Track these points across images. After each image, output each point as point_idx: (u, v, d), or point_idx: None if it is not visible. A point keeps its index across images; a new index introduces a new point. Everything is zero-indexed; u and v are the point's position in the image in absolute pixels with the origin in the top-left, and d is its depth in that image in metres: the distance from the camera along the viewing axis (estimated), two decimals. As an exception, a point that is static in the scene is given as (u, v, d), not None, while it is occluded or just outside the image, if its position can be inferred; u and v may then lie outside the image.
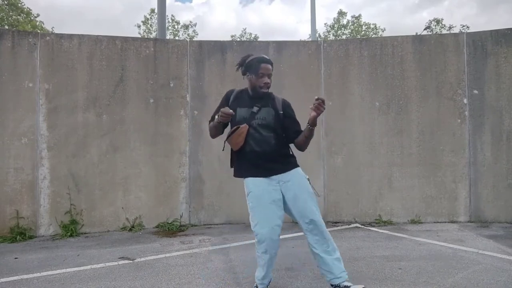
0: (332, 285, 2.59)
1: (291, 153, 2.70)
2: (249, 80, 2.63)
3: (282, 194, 2.58)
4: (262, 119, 2.58)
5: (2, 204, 4.75)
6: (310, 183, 2.64)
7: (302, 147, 2.66)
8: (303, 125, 2.64)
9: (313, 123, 2.47)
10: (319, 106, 2.37)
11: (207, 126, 5.80)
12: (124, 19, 42.55)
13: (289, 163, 2.64)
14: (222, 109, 2.46)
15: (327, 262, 2.55)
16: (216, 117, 2.55)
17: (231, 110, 2.45)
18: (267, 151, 2.56)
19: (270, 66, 2.59)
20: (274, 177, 2.58)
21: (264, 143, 2.56)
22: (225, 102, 2.72)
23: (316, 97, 2.39)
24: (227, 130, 2.69)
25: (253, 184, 2.57)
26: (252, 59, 2.60)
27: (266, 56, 2.64)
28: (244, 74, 2.67)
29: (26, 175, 4.83)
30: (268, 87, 2.61)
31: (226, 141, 2.64)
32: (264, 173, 2.57)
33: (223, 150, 2.81)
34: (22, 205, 4.81)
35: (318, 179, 5.38)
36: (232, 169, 2.74)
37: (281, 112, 2.65)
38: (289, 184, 2.57)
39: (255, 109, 2.60)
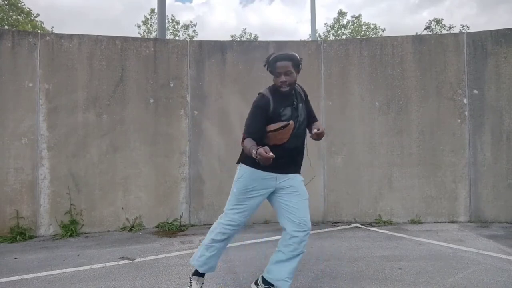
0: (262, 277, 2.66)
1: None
2: (273, 79, 2.59)
3: (276, 190, 2.61)
4: (301, 116, 2.61)
5: (2, 204, 4.75)
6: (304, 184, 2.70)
7: None
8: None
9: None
10: (318, 138, 2.50)
11: (207, 126, 5.81)
12: (124, 19, 42.58)
13: (300, 166, 2.70)
14: (262, 152, 2.18)
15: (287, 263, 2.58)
16: (254, 152, 2.26)
17: (271, 153, 2.20)
18: (298, 147, 2.61)
19: (286, 63, 2.48)
20: (280, 175, 2.59)
21: (299, 140, 2.60)
22: (265, 112, 2.51)
23: (318, 129, 2.48)
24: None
25: (250, 178, 2.56)
26: (271, 58, 2.54)
27: (283, 53, 2.54)
28: (271, 73, 2.60)
29: (26, 175, 4.83)
30: (289, 85, 2.49)
31: (268, 133, 2.52)
32: (275, 170, 2.56)
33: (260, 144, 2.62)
34: (22, 205, 4.81)
35: (318, 179, 5.38)
36: (233, 167, 2.74)
37: (305, 100, 2.70)
38: (290, 186, 2.60)
39: (295, 104, 2.59)
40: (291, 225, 2.54)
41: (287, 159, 2.58)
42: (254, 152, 2.26)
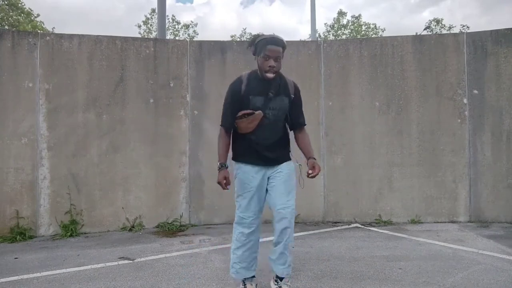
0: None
1: (289, 142, 2.69)
2: (257, 62, 2.47)
3: (267, 183, 2.59)
4: (276, 110, 2.49)
5: (2, 204, 4.75)
6: (300, 170, 2.62)
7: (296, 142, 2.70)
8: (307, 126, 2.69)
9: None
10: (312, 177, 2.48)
11: (207, 126, 5.81)
12: (126, 20, 42.58)
13: (284, 156, 2.63)
14: (220, 180, 2.47)
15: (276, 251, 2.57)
16: (218, 164, 2.53)
17: (226, 187, 2.48)
18: (272, 141, 2.52)
19: (278, 48, 2.38)
20: (267, 167, 2.57)
21: (273, 133, 2.51)
22: (237, 95, 2.49)
23: (311, 174, 2.45)
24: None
25: (242, 171, 2.58)
26: (261, 39, 2.41)
27: (277, 37, 2.42)
28: (254, 54, 2.49)
29: (26, 175, 4.83)
30: (275, 72, 2.40)
31: (236, 121, 2.53)
32: (260, 163, 2.55)
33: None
34: (22, 205, 4.81)
35: (318, 179, 5.37)
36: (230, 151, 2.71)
37: (292, 96, 2.56)
38: (276, 174, 2.56)
39: (270, 95, 2.47)
40: (274, 205, 2.52)
41: (261, 151, 2.50)
42: (218, 168, 2.49)
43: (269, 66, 2.39)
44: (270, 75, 2.40)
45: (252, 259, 2.69)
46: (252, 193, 2.56)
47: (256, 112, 2.44)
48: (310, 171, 2.45)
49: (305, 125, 2.70)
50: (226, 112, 2.56)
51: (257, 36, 2.47)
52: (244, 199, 2.58)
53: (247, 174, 2.56)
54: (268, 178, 2.59)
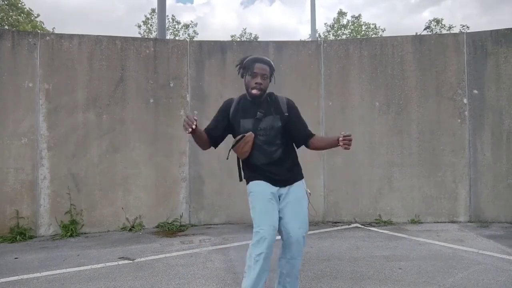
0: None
1: (297, 162, 2.59)
2: (244, 82, 2.48)
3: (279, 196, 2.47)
4: (267, 129, 2.44)
5: (2, 204, 4.75)
6: (309, 198, 2.51)
7: (316, 149, 2.55)
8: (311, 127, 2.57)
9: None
10: (349, 143, 2.24)
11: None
12: (126, 20, 42.56)
13: (294, 175, 2.52)
14: (186, 116, 2.20)
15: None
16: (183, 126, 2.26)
17: (195, 118, 2.20)
18: (271, 161, 2.45)
19: (265, 67, 2.40)
20: (277, 188, 2.47)
21: (268, 154, 2.44)
22: (225, 113, 2.52)
23: (344, 134, 2.23)
24: (228, 140, 2.56)
25: (255, 184, 2.47)
26: (249, 59, 2.46)
27: (264, 57, 2.48)
28: (241, 76, 2.52)
29: (26, 175, 4.83)
30: (261, 89, 2.39)
31: (231, 150, 2.50)
32: (270, 182, 2.46)
33: (227, 159, 2.68)
34: (22, 205, 4.81)
35: (318, 179, 5.38)
36: (243, 179, 2.60)
37: (286, 114, 2.48)
38: (287, 196, 2.45)
39: (259, 115, 2.43)
40: (281, 233, 2.42)
41: (267, 173, 2.44)
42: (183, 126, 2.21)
43: (256, 83, 2.39)
44: (255, 92, 2.40)
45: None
46: (268, 198, 2.41)
47: (247, 135, 2.41)
48: (343, 134, 2.25)
49: (313, 134, 2.57)
50: (212, 121, 2.57)
51: (245, 57, 2.51)
52: (259, 205, 2.41)
53: (260, 186, 2.46)
54: (279, 197, 2.47)
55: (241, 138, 2.41)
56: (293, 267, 2.44)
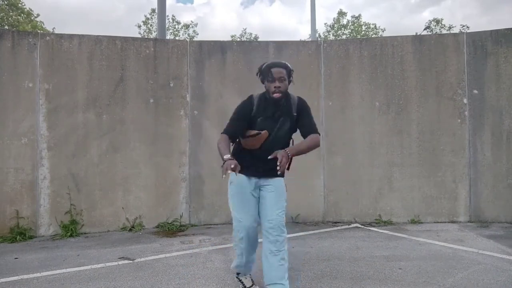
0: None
1: None
2: (265, 87, 2.64)
3: (259, 187, 2.67)
4: (280, 130, 2.62)
5: (2, 204, 4.75)
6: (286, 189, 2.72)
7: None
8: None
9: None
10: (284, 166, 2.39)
11: (207, 126, 5.81)
12: (126, 21, 42.56)
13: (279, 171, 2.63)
14: (227, 165, 2.28)
15: (269, 263, 2.55)
16: (224, 158, 2.39)
17: (238, 168, 2.33)
18: (266, 159, 2.56)
19: (281, 70, 2.56)
20: (261, 179, 2.65)
21: (272, 150, 2.56)
22: (247, 113, 2.61)
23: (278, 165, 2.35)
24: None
25: (239, 178, 2.65)
26: (265, 66, 2.61)
27: (279, 61, 2.64)
28: (262, 82, 2.68)
29: (26, 175, 4.83)
30: (281, 91, 2.55)
31: (242, 139, 2.67)
32: (256, 174, 2.64)
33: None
34: (22, 205, 4.81)
35: (318, 179, 5.38)
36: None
37: (295, 114, 2.67)
38: (268, 187, 2.65)
39: (276, 117, 2.61)
40: (263, 219, 2.61)
41: (259, 164, 2.60)
42: (223, 159, 2.40)
43: (275, 87, 2.54)
44: (277, 95, 2.55)
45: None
46: (246, 194, 2.64)
47: (262, 132, 2.58)
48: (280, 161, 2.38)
49: (319, 134, 2.74)
50: (232, 124, 2.65)
51: (262, 64, 2.65)
52: (239, 199, 2.65)
53: (241, 178, 2.65)
54: (259, 188, 2.68)
55: (256, 134, 2.58)
56: (279, 236, 2.56)
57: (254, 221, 2.63)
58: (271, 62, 2.62)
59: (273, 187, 2.65)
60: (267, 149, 2.58)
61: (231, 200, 2.69)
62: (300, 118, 2.69)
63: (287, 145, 2.68)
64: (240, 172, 2.53)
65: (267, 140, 2.61)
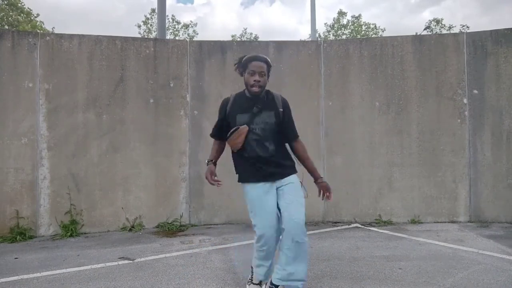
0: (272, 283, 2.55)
1: (290, 157, 2.68)
2: (244, 80, 2.59)
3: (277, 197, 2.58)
4: (262, 124, 2.53)
5: (2, 204, 4.75)
6: (302, 185, 2.63)
7: (297, 157, 2.70)
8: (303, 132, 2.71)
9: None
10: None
11: (207, 126, 5.81)
12: (126, 20, 42.56)
13: (287, 168, 2.61)
14: (206, 175, 2.61)
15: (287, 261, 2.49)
16: (206, 162, 2.68)
17: (215, 180, 2.59)
18: (266, 156, 2.53)
19: (262, 64, 2.51)
20: (276, 182, 2.57)
21: (264, 148, 2.53)
22: (223, 113, 2.65)
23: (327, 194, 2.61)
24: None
25: (250, 187, 2.58)
26: (246, 58, 2.56)
27: (261, 55, 2.58)
28: (241, 75, 2.62)
29: (26, 175, 4.83)
30: (260, 86, 2.50)
31: (227, 141, 2.64)
32: (265, 178, 2.56)
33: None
34: (22, 205, 4.81)
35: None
36: (236, 174, 2.71)
37: (281, 110, 2.60)
38: (284, 189, 2.56)
39: (255, 110, 2.54)
40: (282, 222, 2.52)
41: (261, 166, 2.53)
42: (206, 163, 2.67)
43: (254, 81, 2.50)
44: (255, 89, 2.51)
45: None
46: (264, 203, 2.55)
47: (241, 127, 2.52)
48: (326, 194, 2.60)
49: (298, 136, 2.71)
50: (216, 125, 2.74)
51: (243, 56, 2.61)
52: (259, 211, 2.56)
53: (255, 189, 2.57)
54: (277, 189, 2.59)
55: (235, 130, 2.54)
56: (299, 247, 2.47)
57: (273, 230, 2.53)
58: (253, 55, 2.57)
59: (287, 186, 2.56)
60: (257, 149, 2.52)
61: (251, 212, 2.60)
62: (285, 121, 2.62)
63: (279, 142, 2.60)
64: (246, 180, 2.61)
65: (252, 138, 2.52)
